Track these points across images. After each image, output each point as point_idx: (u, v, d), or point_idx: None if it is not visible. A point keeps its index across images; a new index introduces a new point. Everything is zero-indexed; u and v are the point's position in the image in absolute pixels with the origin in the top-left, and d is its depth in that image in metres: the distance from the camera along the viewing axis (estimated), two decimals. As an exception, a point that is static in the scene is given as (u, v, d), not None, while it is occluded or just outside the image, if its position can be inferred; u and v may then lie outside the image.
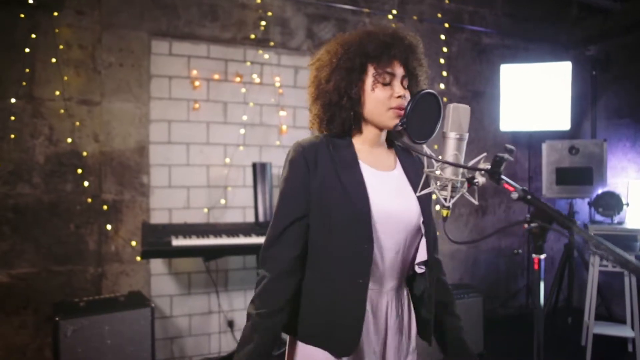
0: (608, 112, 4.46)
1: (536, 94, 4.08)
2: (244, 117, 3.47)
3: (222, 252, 2.83)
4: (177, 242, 2.63)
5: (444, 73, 4.10)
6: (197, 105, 3.35)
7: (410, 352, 1.34)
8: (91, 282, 3.12)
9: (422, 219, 1.28)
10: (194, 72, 3.35)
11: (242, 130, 3.47)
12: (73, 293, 3.04)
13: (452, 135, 1.12)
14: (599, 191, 3.72)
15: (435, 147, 1.20)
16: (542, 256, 0.95)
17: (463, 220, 4.30)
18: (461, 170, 1.11)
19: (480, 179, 1.07)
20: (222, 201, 3.41)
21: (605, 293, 4.25)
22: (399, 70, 1.25)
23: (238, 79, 3.45)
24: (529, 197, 0.95)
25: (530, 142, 4.33)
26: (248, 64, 3.47)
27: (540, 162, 3.98)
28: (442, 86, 4.08)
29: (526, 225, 0.93)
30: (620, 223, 3.66)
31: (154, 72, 3.27)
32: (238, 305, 3.50)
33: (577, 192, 3.82)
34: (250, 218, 3.45)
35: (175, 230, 2.82)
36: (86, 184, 3.06)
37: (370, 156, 1.31)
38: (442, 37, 4.06)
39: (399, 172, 1.34)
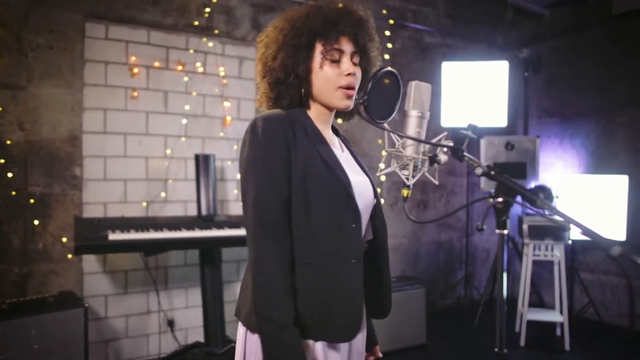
0: (539, 111, 4.72)
1: (475, 92, 4.24)
2: (186, 107, 3.32)
3: (164, 247, 2.68)
4: (114, 236, 2.47)
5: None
6: (135, 94, 3.17)
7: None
8: (15, 283, 2.86)
9: (376, 198, 1.28)
10: (133, 59, 3.16)
11: (184, 121, 3.32)
12: (-5, 295, 2.77)
13: (413, 114, 1.11)
14: (532, 185, 3.92)
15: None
16: (505, 231, 0.95)
17: (416, 210, 4.39)
18: (422, 149, 1.10)
19: (442, 157, 1.06)
20: (162, 194, 3.25)
21: (536, 281, 4.49)
22: (348, 47, 1.21)
23: (180, 68, 3.30)
24: (492, 172, 0.95)
25: (470, 138, 4.49)
26: (191, 52, 3.33)
27: (479, 157, 4.14)
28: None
29: (491, 200, 0.93)
30: (551, 215, 3.87)
31: (89, 56, 3.05)
32: (179, 303, 3.35)
33: (512, 186, 4.00)
34: (192, 212, 3.31)
35: (111, 225, 2.64)
36: (9, 175, 2.80)
37: (325, 133, 1.27)
38: (387, 33, 4.11)
39: (347, 153, 1.32)
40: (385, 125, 1.17)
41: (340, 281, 1.15)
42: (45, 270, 2.94)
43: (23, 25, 2.84)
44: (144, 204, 3.20)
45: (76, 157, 3.02)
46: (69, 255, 2.94)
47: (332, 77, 1.19)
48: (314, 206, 1.14)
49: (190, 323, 3.37)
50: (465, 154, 1.01)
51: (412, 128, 1.10)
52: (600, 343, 3.72)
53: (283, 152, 1.13)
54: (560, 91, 4.53)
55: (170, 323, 3.31)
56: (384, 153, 1.13)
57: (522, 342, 3.63)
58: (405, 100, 1.17)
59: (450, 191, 4.67)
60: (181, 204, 3.34)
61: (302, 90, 1.22)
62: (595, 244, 3.76)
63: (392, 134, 1.12)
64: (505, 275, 0.97)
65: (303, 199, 1.14)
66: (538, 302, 4.33)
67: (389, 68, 1.22)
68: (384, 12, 4.12)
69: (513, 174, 3.96)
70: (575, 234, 3.89)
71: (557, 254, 3.64)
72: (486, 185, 4.03)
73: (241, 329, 1.22)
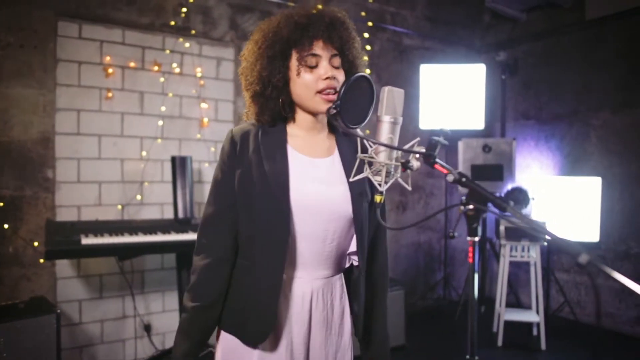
0: (516, 114, 4.79)
1: (453, 94, 4.28)
2: (163, 109, 3.27)
3: (139, 251, 2.64)
4: (88, 240, 2.41)
5: (367, 71, 4.16)
6: (110, 94, 3.11)
7: (342, 349, 1.29)
8: (-16, 288, 2.78)
9: (352, 208, 1.23)
10: (108, 59, 3.10)
11: (160, 122, 3.27)
12: (-39, 302, 2.68)
13: (386, 119, 1.10)
14: (509, 187, 3.97)
15: (368, 132, 1.18)
16: (476, 238, 0.95)
17: (385, 215, 4.40)
18: (395, 154, 1.10)
19: (415, 163, 1.06)
20: (138, 197, 3.20)
21: (513, 282, 4.55)
22: (325, 51, 1.19)
23: (156, 68, 3.25)
24: (463, 179, 0.95)
25: (448, 141, 4.53)
26: (167, 52, 3.28)
27: (457, 159, 4.18)
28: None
29: (462, 208, 0.93)
30: (527, 216, 3.93)
31: (61, 56, 2.98)
32: (156, 307, 3.29)
33: (489, 188, 4.05)
34: (169, 215, 3.26)
35: (85, 228, 2.58)
36: (-22, 178, 2.72)
37: (304, 142, 1.26)
38: (366, 35, 4.12)
39: (334, 159, 1.28)
40: (358, 131, 1.16)
41: (258, 287, 1.20)
42: (17, 275, 2.86)
43: (-8, 24, 2.77)
44: (119, 207, 3.14)
45: (48, 159, 2.95)
46: (41, 260, 2.87)
47: (310, 82, 1.18)
48: (251, 218, 1.21)
49: (168, 327, 3.32)
50: (437, 160, 1.01)
51: (384, 134, 1.09)
52: (575, 342, 3.79)
53: (229, 164, 1.24)
54: (536, 94, 4.60)
55: (147, 328, 3.25)
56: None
57: (500, 342, 3.67)
58: (378, 105, 1.16)
59: (430, 193, 4.71)
60: (158, 207, 3.29)
61: (281, 101, 1.21)
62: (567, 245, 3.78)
63: (364, 140, 1.11)
64: (476, 279, 0.97)
65: (246, 207, 1.22)
66: (515, 302, 4.38)
67: (362, 73, 1.21)
68: (363, 14, 4.13)
69: (490, 176, 4.01)
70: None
71: (533, 254, 3.69)
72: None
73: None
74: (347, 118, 1.18)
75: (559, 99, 4.42)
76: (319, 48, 1.19)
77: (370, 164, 1.10)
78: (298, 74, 1.19)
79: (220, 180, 1.25)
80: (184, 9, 3.29)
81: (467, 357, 0.97)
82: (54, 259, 2.62)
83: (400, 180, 1.12)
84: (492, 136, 4.86)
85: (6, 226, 2.79)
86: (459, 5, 4.78)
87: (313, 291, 1.23)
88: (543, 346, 3.59)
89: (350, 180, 1.15)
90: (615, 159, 4.01)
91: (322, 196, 1.21)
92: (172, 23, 3.26)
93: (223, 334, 1.26)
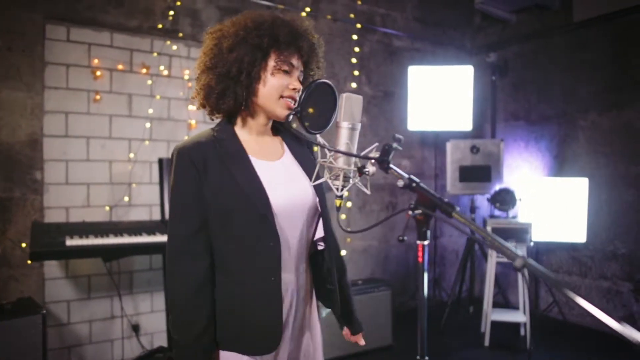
0: (506, 115, 4.81)
1: (441, 96, 4.30)
2: (150, 111, 3.30)
3: (123, 252, 2.66)
4: (72, 241, 2.44)
5: (356, 72, 4.19)
6: (98, 97, 3.14)
7: (315, 325, 1.38)
8: (-27, 289, 2.81)
9: (317, 199, 1.30)
10: (96, 61, 3.13)
11: (148, 124, 3.30)
12: (-50, 302, 2.71)
13: (344, 125, 1.13)
14: (497, 187, 4.00)
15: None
16: (426, 242, 0.98)
17: (374, 216, 4.43)
18: (354, 159, 1.13)
19: (370, 168, 1.08)
20: (126, 199, 3.22)
21: (502, 282, 4.58)
22: (299, 65, 1.26)
23: (144, 71, 3.28)
24: (413, 184, 0.98)
25: (437, 142, 4.56)
26: (155, 55, 3.31)
27: (445, 160, 4.21)
28: (353, 85, 4.17)
29: (410, 213, 0.95)
30: (515, 217, 3.96)
31: (49, 59, 3.01)
32: (144, 308, 3.32)
33: (477, 189, 4.08)
34: (157, 216, 3.29)
35: (71, 230, 2.61)
36: (-34, 179, 2.75)
37: (257, 146, 1.29)
38: (354, 37, 4.14)
39: (288, 159, 1.33)
40: (318, 137, 1.19)
41: (259, 298, 1.19)
42: (5, 276, 2.89)
43: (-20, 27, 2.80)
44: (107, 208, 3.17)
45: (37, 160, 2.98)
46: (29, 261, 2.89)
47: (280, 86, 1.22)
48: (230, 228, 1.19)
49: (156, 328, 3.35)
50: (391, 165, 1.04)
51: (342, 139, 1.12)
52: (562, 342, 3.81)
53: (193, 183, 1.19)
54: (526, 95, 4.63)
55: (135, 328, 3.28)
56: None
57: (487, 342, 3.70)
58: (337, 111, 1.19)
59: (420, 193, 4.73)
60: (146, 208, 3.32)
61: (246, 95, 1.22)
62: (558, 245, 3.79)
63: (322, 145, 1.14)
64: (425, 279, 1.00)
65: (220, 222, 1.20)
66: (503, 302, 4.41)
67: (324, 80, 1.23)
68: (352, 15, 4.15)
69: (478, 177, 4.04)
70: (537, 236, 3.98)
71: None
72: (452, 188, 4.09)
73: None
74: (307, 123, 1.20)
75: (547, 100, 4.44)
76: (296, 60, 1.25)
77: (330, 168, 1.13)
78: (273, 73, 1.22)
79: (183, 203, 1.20)
80: (172, 12, 3.31)
81: (417, 357, 0.99)
82: (38, 260, 2.65)
83: (359, 184, 1.14)
84: (483, 137, 4.88)
85: (-6, 227, 2.82)
86: (450, 7, 4.81)
87: (299, 287, 1.28)
88: (529, 346, 3.61)
89: (312, 184, 1.19)
90: (603, 160, 4.04)
91: (294, 196, 1.26)
92: (160, 26, 3.29)
93: (222, 354, 1.22)
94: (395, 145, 1.04)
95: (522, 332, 3.92)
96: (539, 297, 4.43)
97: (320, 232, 1.31)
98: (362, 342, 1.50)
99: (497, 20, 4.71)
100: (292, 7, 3.84)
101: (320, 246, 1.33)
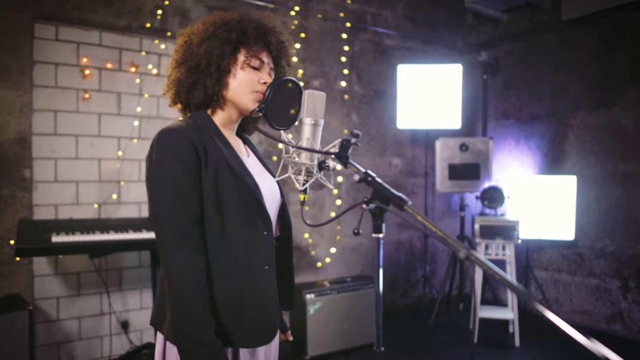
0: (497, 113, 4.83)
1: (430, 94, 4.32)
2: (139, 109, 3.32)
3: (109, 249, 2.69)
4: (58, 238, 2.47)
5: (345, 71, 4.21)
6: (87, 95, 3.17)
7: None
8: (-38, 285, 2.84)
9: (282, 198, 1.36)
10: (84, 60, 3.16)
11: (137, 123, 3.33)
12: (-60, 298, 2.74)
13: (307, 121, 1.15)
14: (486, 185, 4.02)
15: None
16: (381, 235, 1.01)
17: (365, 214, 4.44)
18: (316, 156, 1.15)
19: (331, 163, 1.11)
20: (115, 196, 3.25)
21: (492, 280, 4.60)
22: (269, 61, 1.29)
23: (133, 69, 3.30)
24: (369, 178, 1.00)
25: (427, 140, 4.58)
26: (144, 54, 3.33)
27: (434, 158, 4.23)
28: (343, 84, 4.19)
29: (364, 206, 0.98)
30: (503, 215, 3.98)
31: (38, 57, 3.04)
32: (133, 305, 3.35)
33: (467, 187, 4.10)
34: (146, 213, 3.32)
35: (58, 227, 2.64)
36: (-46, 177, 2.77)
37: (232, 140, 1.31)
38: (344, 36, 4.16)
39: (252, 158, 1.38)
40: (282, 132, 1.20)
41: (255, 288, 1.21)
42: (-6, 272, 2.92)
43: (-32, 26, 2.82)
44: (96, 205, 3.20)
45: (25, 158, 3.00)
46: (17, 258, 2.92)
47: (250, 81, 1.25)
48: (226, 216, 1.18)
49: (145, 324, 3.38)
50: (350, 161, 1.06)
51: (305, 135, 1.14)
52: (550, 338, 3.83)
53: (192, 166, 1.14)
54: (517, 94, 4.65)
55: (125, 324, 3.31)
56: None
57: (475, 339, 3.72)
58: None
59: (411, 192, 4.76)
60: (135, 206, 3.35)
61: (216, 88, 1.24)
62: (548, 242, 3.80)
63: (280, 141, 1.17)
64: (381, 274, 1.02)
65: (216, 210, 1.17)
66: (493, 299, 4.43)
67: (289, 77, 1.26)
68: (341, 15, 4.17)
69: (467, 175, 4.06)
70: (527, 234, 4.00)
71: (508, 252, 3.73)
72: (441, 186, 4.11)
73: (160, 338, 1.24)
74: (273, 119, 1.23)
75: (538, 99, 4.46)
76: (265, 57, 1.28)
77: (293, 164, 1.16)
78: (242, 68, 1.25)
79: (184, 189, 1.13)
80: (160, 11, 3.34)
81: (374, 348, 1.01)
82: (24, 256, 2.67)
83: (322, 179, 1.17)
84: (475, 135, 4.90)
85: (-18, 225, 2.85)
86: (441, 6, 4.83)
87: (272, 283, 1.31)
88: (517, 343, 3.64)
89: (276, 179, 1.22)
90: (591, 158, 4.06)
91: (270, 190, 1.30)
92: (149, 25, 3.31)
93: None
94: (353, 140, 1.07)
95: (510, 329, 3.94)
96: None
97: (277, 232, 1.37)
98: (290, 338, 1.54)
99: (489, 19, 4.73)
100: (282, 6, 3.86)
101: (275, 243, 1.36)
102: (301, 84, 1.26)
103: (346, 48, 4.21)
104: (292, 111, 1.26)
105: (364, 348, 3.53)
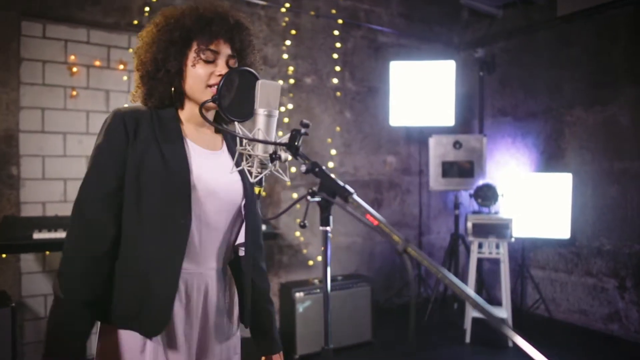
0: (493, 110, 4.78)
1: (423, 91, 4.28)
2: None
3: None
4: (39, 235, 2.46)
5: (337, 68, 4.18)
6: (74, 93, 3.16)
7: (232, 335, 1.33)
8: (-51, 283, 2.84)
9: (244, 201, 1.28)
10: (72, 58, 3.16)
11: (125, 120, 3.32)
12: None
13: (260, 112, 1.12)
14: (480, 183, 3.97)
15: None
16: (328, 228, 0.97)
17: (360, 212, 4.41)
18: (271, 147, 1.12)
19: (283, 155, 1.08)
20: (103, 194, 3.24)
21: (489, 279, 4.55)
22: (225, 49, 1.23)
23: (121, 67, 3.29)
24: (317, 169, 0.97)
25: (422, 137, 4.53)
26: (131, 51, 3.32)
27: (428, 155, 4.18)
28: (335, 81, 4.16)
29: (309, 198, 0.95)
30: (496, 213, 3.92)
31: (25, 55, 3.04)
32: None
33: (460, 185, 4.05)
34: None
35: (41, 224, 2.64)
36: (-60, 174, 2.78)
37: (197, 134, 1.28)
38: (336, 32, 4.13)
39: (224, 154, 1.32)
40: (238, 125, 1.17)
41: (154, 277, 1.16)
42: (-19, 270, 2.92)
43: (-46, 24, 2.83)
44: (84, 203, 3.19)
45: (12, 156, 3.00)
46: (3, 255, 2.92)
47: (204, 76, 1.21)
48: (144, 201, 1.16)
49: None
50: (300, 152, 1.03)
51: (257, 126, 1.11)
52: (547, 339, 3.78)
53: (118, 145, 1.16)
54: (513, 91, 4.59)
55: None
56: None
57: (468, 339, 3.67)
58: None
59: (406, 190, 4.71)
60: (124, 203, 3.34)
61: (173, 88, 1.23)
62: (545, 241, 3.74)
63: (229, 132, 1.14)
64: (329, 272, 0.99)
65: (135, 193, 1.16)
66: (487, 298, 4.37)
67: (246, 67, 1.23)
68: (333, 11, 4.14)
69: (461, 173, 4.01)
70: (522, 232, 3.94)
71: (502, 251, 3.68)
72: (435, 184, 4.07)
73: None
74: (228, 111, 1.19)
75: (534, 96, 4.41)
76: (220, 46, 1.22)
77: (247, 156, 1.13)
78: (194, 65, 1.21)
79: (104, 163, 1.16)
80: (148, 8, 3.33)
81: (323, 345, 0.98)
82: (5, 253, 2.66)
83: (275, 172, 1.13)
84: (471, 132, 4.85)
85: (-32, 222, 2.85)
86: (436, 3, 4.78)
87: (208, 283, 1.25)
88: (510, 342, 3.58)
89: (230, 172, 1.18)
90: (588, 155, 3.99)
91: (222, 185, 1.25)
92: (136, 22, 3.30)
93: (112, 330, 1.19)
94: (302, 130, 1.04)
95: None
96: (526, 294, 4.39)
97: (241, 238, 1.30)
98: None
99: (485, 16, 4.68)
100: (273, 3, 3.84)
101: (242, 252, 1.31)
102: (255, 72, 1.22)
103: (338, 45, 4.18)
104: (250, 102, 1.23)
105: (357, 346, 3.49)
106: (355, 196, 0.93)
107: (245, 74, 1.21)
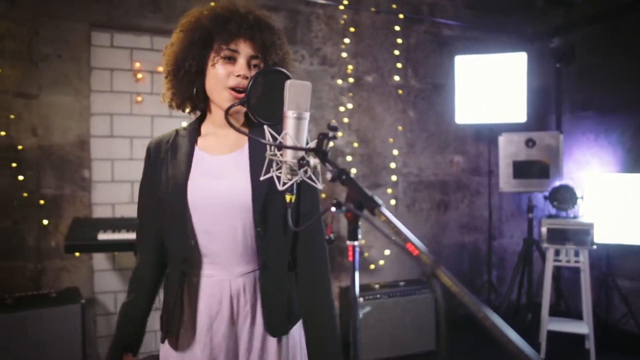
0: (572, 105, 4.39)
1: (492, 86, 4.00)
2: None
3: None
4: (104, 236, 2.57)
5: (399, 65, 4.02)
6: (139, 98, 3.29)
7: (266, 342, 1.26)
8: (30, 278, 3.05)
9: (252, 201, 1.20)
10: (137, 65, 3.28)
11: (186, 124, 3.39)
12: (12, 289, 2.97)
13: (290, 115, 1.05)
14: (556, 184, 3.64)
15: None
16: (356, 243, 0.88)
17: (423, 215, 4.23)
18: (300, 152, 1.04)
19: (312, 160, 1.00)
20: (166, 196, 3.34)
21: (569, 289, 4.18)
22: (245, 49, 1.19)
23: (183, 72, 3.37)
24: (344, 177, 0.88)
25: (491, 136, 4.25)
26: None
27: (497, 154, 3.92)
28: (397, 78, 4.01)
29: (334, 209, 0.86)
30: (575, 217, 3.58)
31: (95, 64, 3.20)
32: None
33: (533, 186, 3.75)
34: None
35: (107, 225, 2.75)
36: (21, 178, 2.99)
37: (215, 139, 1.26)
38: (397, 28, 3.98)
39: (241, 154, 1.25)
40: (266, 128, 1.10)
41: (171, 288, 1.28)
42: (58, 267, 3.11)
43: (33, 37, 3.03)
44: (149, 204, 3.30)
45: (85, 160, 3.18)
46: (77, 253, 3.09)
47: (222, 76, 1.18)
48: (164, 221, 1.28)
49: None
50: (328, 157, 0.95)
51: (289, 130, 1.04)
52: (635, 357, 3.40)
53: (146, 175, 1.32)
54: (595, 83, 4.18)
55: (177, 321, 3.39)
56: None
57: (543, 354, 3.38)
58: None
59: (475, 191, 4.45)
60: (186, 205, 3.42)
61: (195, 89, 1.22)
62: (633, 248, 3.35)
63: (247, 135, 1.15)
64: (357, 279, 0.90)
65: (161, 214, 1.28)
66: (566, 310, 4.02)
67: (277, 67, 1.17)
68: (394, 6, 3.99)
69: (534, 174, 3.71)
70: (607, 238, 3.57)
71: (582, 259, 3.35)
72: (505, 185, 3.80)
73: None
74: (257, 113, 1.14)
75: (620, 88, 3.97)
76: (241, 45, 1.19)
77: (276, 162, 1.06)
78: (213, 65, 1.19)
79: (142, 188, 1.33)
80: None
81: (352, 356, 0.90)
82: (72, 252, 2.78)
83: (306, 179, 1.05)
84: (547, 130, 4.48)
85: (46, 222, 3.05)
86: (507, -9, 4.47)
87: (233, 288, 1.22)
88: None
89: (261, 179, 1.12)
90: (685, 153, 3.54)
91: (208, 191, 1.20)
92: (196, 27, 3.36)
93: (162, 346, 1.34)
94: (330, 134, 0.95)
95: (587, 345, 3.54)
96: (612, 307, 3.98)
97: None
98: None
99: (562, 2, 4.29)
100: (331, 1, 3.77)
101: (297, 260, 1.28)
102: (288, 72, 1.15)
103: (400, 41, 4.02)
104: (280, 105, 1.16)
105: (420, 355, 3.33)
106: (383, 208, 0.82)
107: (272, 74, 1.15)
